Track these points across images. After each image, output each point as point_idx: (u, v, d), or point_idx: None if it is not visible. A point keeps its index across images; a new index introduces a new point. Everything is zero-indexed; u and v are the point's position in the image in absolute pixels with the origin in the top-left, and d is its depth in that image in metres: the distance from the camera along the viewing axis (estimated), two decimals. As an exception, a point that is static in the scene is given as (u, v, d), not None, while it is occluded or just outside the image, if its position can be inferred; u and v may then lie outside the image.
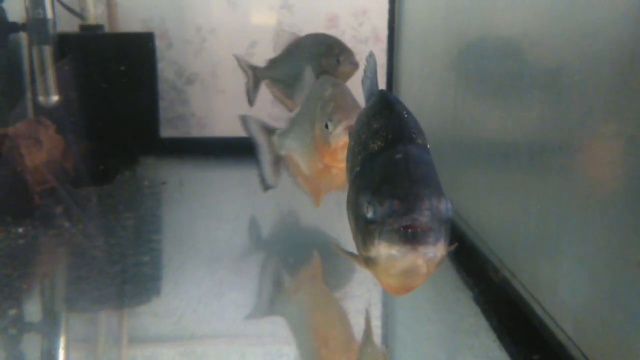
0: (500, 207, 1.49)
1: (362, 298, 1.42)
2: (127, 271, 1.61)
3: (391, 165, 0.84)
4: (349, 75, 1.99)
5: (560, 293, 1.13)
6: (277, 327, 1.34)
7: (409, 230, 0.76)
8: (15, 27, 2.39)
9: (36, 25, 2.31)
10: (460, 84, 1.82)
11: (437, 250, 0.78)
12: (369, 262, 0.83)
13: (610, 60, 0.96)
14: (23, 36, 2.47)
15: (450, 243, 0.83)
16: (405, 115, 0.93)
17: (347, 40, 3.06)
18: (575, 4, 1.09)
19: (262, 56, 3.07)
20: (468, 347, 1.25)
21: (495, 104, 1.55)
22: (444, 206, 0.80)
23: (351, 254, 0.94)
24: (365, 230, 0.81)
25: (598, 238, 1.00)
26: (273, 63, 2.26)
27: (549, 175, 1.20)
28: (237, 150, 3.09)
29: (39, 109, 2.32)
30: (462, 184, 1.80)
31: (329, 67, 1.98)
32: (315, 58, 2.02)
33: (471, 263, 1.57)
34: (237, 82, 3.09)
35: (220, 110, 3.12)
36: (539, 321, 1.21)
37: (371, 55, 1.10)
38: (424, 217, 0.77)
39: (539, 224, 1.24)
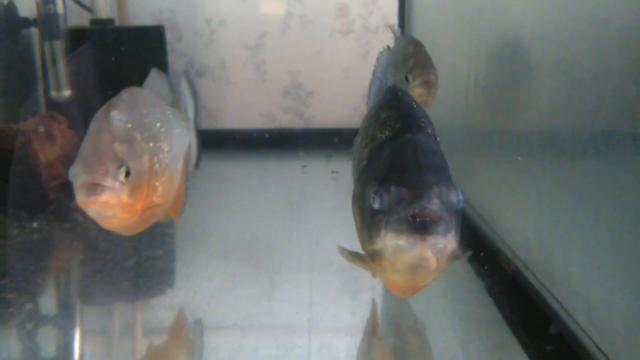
0: (512, 197, 1.49)
1: (374, 290, 1.42)
2: (140, 265, 1.63)
3: (399, 154, 0.81)
4: (419, 99, 1.48)
5: (573, 283, 1.13)
6: (289, 319, 1.34)
7: (418, 219, 0.72)
8: (26, 23, 2.40)
9: (47, 20, 2.31)
10: (472, 73, 1.81)
11: (447, 241, 0.74)
12: (374, 257, 0.79)
13: (622, 50, 0.95)
14: (35, 31, 2.48)
15: (462, 240, 0.80)
16: (414, 106, 0.91)
17: (357, 29, 3.06)
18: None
19: (271, 47, 3.08)
20: (480, 338, 1.25)
21: (507, 94, 1.54)
22: (455, 196, 0.76)
23: (356, 255, 0.91)
24: (371, 222, 0.78)
25: (611, 228, 0.99)
26: None
27: (561, 165, 1.19)
28: (249, 142, 3.11)
29: (51, 104, 2.34)
30: (474, 175, 1.80)
31: (400, 84, 1.53)
32: (391, 68, 1.60)
33: (483, 253, 1.56)
34: (247, 74, 3.10)
35: (231, 102, 3.12)
36: (551, 312, 1.20)
37: (382, 54, 1.07)
38: (433, 206, 0.73)
39: (551, 214, 1.23)
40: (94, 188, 0.96)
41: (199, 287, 1.47)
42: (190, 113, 1.37)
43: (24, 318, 1.33)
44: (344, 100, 3.06)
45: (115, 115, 1.04)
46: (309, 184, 2.49)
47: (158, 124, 1.12)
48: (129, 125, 1.04)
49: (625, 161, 0.95)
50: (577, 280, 1.12)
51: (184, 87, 1.35)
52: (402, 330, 1.32)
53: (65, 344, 1.29)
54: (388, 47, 1.12)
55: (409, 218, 0.73)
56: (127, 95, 1.11)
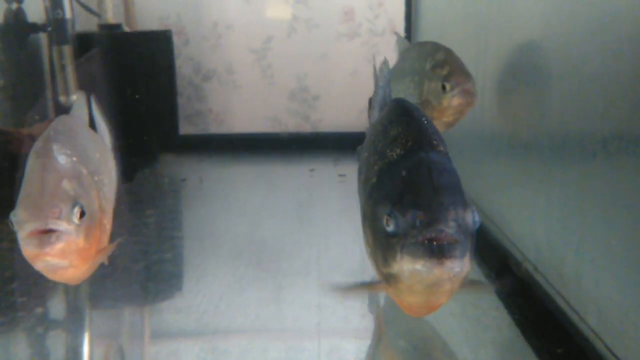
0: (522, 199, 1.48)
1: (380, 294, 1.41)
2: (149, 268, 1.63)
3: (412, 174, 0.79)
4: (457, 110, 1.42)
5: (584, 286, 1.12)
6: (298, 323, 1.34)
7: (434, 242, 0.71)
8: (35, 28, 2.42)
9: (56, 25, 2.33)
10: (480, 76, 1.80)
11: (463, 264, 0.73)
12: (389, 279, 0.78)
13: (632, 51, 0.95)
14: (43, 37, 2.50)
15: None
16: (425, 122, 0.89)
17: (364, 33, 3.06)
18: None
19: (277, 51, 3.08)
20: (491, 341, 1.24)
21: (516, 97, 1.53)
22: (470, 217, 0.75)
23: (351, 288, 0.91)
24: (385, 245, 0.76)
25: (621, 230, 0.99)
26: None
27: (571, 167, 1.18)
28: (256, 146, 3.12)
29: (59, 109, 2.35)
30: (483, 177, 1.79)
31: (431, 94, 1.44)
32: (416, 77, 1.50)
33: (493, 256, 1.56)
34: (254, 77, 3.11)
35: (238, 106, 3.13)
36: (562, 314, 1.20)
37: (385, 63, 1.04)
38: (449, 229, 0.72)
39: (561, 217, 1.23)
40: (48, 236, 0.81)
41: (208, 291, 1.47)
42: (107, 139, 1.20)
43: (34, 322, 1.34)
44: (351, 104, 3.06)
45: (57, 149, 0.89)
46: (317, 188, 2.49)
47: (97, 155, 1.01)
48: (74, 159, 0.91)
49: (635, 163, 0.95)
50: (587, 282, 1.11)
51: (97, 111, 1.19)
52: (411, 334, 1.32)
53: (75, 348, 1.29)
54: (374, 56, 1.06)
55: (426, 242, 0.72)
56: (61, 125, 0.97)
